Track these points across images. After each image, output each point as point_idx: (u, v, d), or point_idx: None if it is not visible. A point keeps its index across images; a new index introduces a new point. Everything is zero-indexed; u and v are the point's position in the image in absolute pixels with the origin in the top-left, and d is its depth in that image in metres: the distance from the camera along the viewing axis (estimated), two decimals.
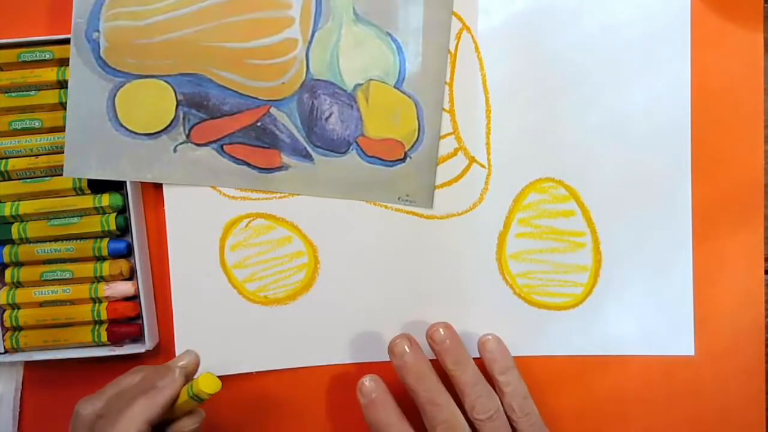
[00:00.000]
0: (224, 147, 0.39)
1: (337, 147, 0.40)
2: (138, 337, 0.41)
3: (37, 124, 0.40)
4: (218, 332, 0.41)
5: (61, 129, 0.39)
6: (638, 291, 0.41)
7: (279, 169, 0.40)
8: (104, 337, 0.40)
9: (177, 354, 0.40)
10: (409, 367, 0.38)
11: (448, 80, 0.40)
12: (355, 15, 0.39)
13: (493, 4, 0.40)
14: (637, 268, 0.41)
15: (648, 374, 0.41)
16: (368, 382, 0.38)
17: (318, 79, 0.39)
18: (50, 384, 0.42)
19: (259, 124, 0.39)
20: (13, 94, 0.40)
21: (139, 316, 0.40)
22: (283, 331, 0.41)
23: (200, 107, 0.39)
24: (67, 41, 0.39)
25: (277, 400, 0.42)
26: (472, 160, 0.41)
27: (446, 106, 0.40)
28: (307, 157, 0.40)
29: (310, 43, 0.39)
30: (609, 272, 0.41)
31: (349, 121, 0.40)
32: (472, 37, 0.40)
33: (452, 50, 0.40)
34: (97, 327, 0.40)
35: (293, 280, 0.41)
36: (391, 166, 0.40)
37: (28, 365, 0.42)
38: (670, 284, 0.41)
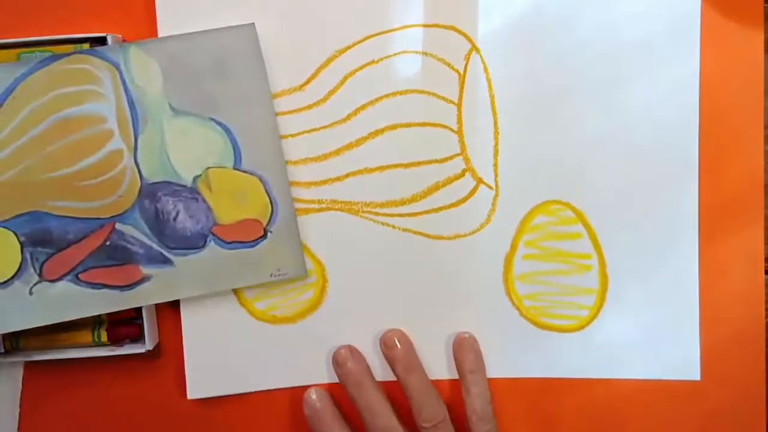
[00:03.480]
0: (79, 276, 0.38)
1: (193, 243, 0.39)
2: (138, 338, 0.41)
3: None
4: (228, 351, 0.41)
5: None
6: (645, 314, 0.41)
7: (141, 281, 0.39)
8: (104, 338, 0.40)
9: (186, 366, 0.41)
10: (350, 375, 0.40)
11: (456, 101, 0.40)
12: (172, 110, 0.38)
13: (502, 25, 0.40)
14: (643, 291, 0.41)
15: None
16: (313, 395, 0.40)
17: (154, 182, 0.38)
18: (50, 384, 0.42)
19: (108, 243, 0.38)
20: None
21: (139, 317, 0.40)
22: (292, 350, 0.41)
23: (45, 243, 0.38)
24: (67, 41, 0.39)
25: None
26: (480, 181, 0.41)
27: (454, 127, 0.40)
28: (166, 261, 0.39)
29: (135, 149, 0.38)
30: (615, 295, 0.41)
31: (198, 214, 0.39)
32: (481, 58, 0.40)
33: (461, 71, 0.40)
34: (97, 327, 0.40)
35: (302, 298, 0.41)
36: (254, 245, 0.39)
37: (28, 365, 0.42)
38: (676, 308, 0.41)
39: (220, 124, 0.38)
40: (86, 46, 0.39)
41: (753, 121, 0.41)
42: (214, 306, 0.41)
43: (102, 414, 0.42)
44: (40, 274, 0.38)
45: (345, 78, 0.40)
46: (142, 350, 0.40)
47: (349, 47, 0.40)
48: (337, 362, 0.40)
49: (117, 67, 0.38)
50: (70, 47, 0.39)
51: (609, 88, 0.40)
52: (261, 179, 0.39)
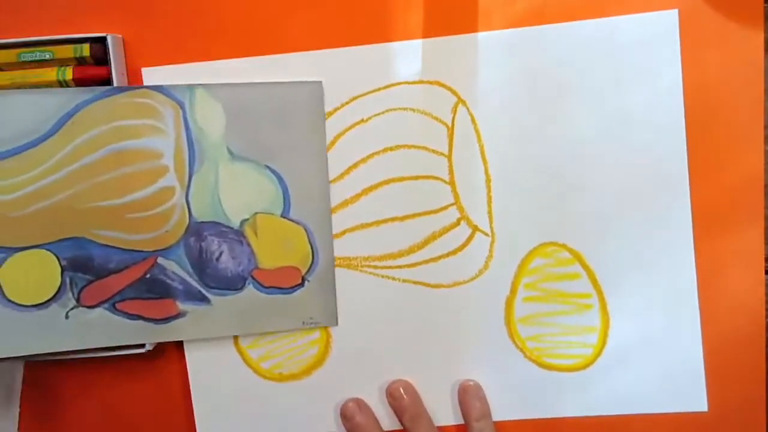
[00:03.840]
0: (116, 305, 0.39)
1: (232, 284, 0.40)
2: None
3: None
4: (238, 411, 0.42)
5: None
6: (648, 349, 0.41)
7: (176, 317, 0.39)
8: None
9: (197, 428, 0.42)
10: (359, 428, 0.41)
11: (446, 153, 0.41)
12: (230, 153, 0.39)
13: (486, 76, 0.40)
14: (645, 325, 0.41)
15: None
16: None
17: (202, 221, 0.39)
18: (50, 384, 0.42)
19: (148, 276, 0.39)
20: None
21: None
22: (301, 406, 0.42)
23: (86, 269, 0.38)
24: (67, 41, 0.38)
25: None
26: (475, 228, 0.41)
27: (446, 178, 0.41)
28: (204, 299, 0.39)
29: (188, 187, 0.38)
30: (617, 332, 0.42)
31: (240, 256, 0.39)
32: (468, 109, 0.41)
33: (449, 124, 0.41)
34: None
35: (307, 355, 0.42)
36: (291, 292, 0.40)
37: (28, 365, 0.42)
38: (679, 340, 0.41)
39: (274, 172, 0.39)
40: (86, 46, 0.39)
41: (753, 121, 0.41)
42: (221, 367, 0.42)
43: (102, 414, 0.42)
44: (77, 300, 0.38)
45: (336, 138, 0.41)
46: (142, 350, 0.40)
47: (337, 109, 0.40)
48: (345, 416, 0.41)
49: (181, 105, 0.38)
50: (70, 47, 0.38)
51: (597, 127, 0.40)
52: (306, 229, 0.40)
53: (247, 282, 0.40)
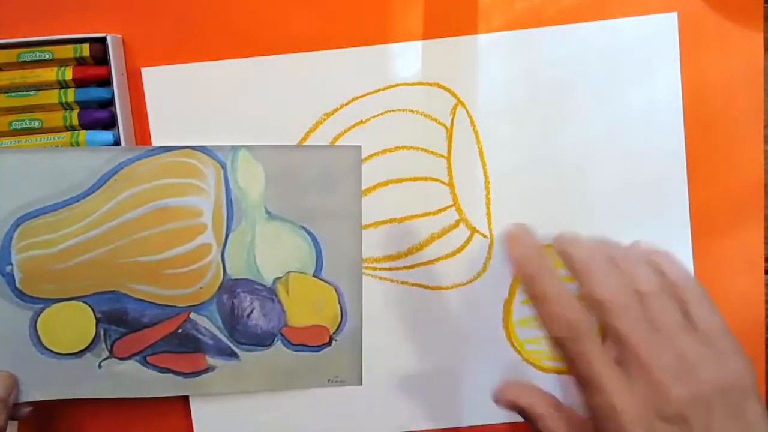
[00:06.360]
0: (147, 358, 0.39)
1: (261, 340, 0.40)
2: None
3: (36, 124, 0.40)
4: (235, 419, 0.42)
5: (61, 129, 0.40)
6: None
7: (205, 371, 0.40)
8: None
9: None
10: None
11: (445, 154, 0.41)
12: (267, 213, 0.39)
13: (486, 79, 0.41)
14: None
15: None
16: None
17: (236, 279, 0.40)
18: None
19: (180, 330, 0.39)
20: (13, 94, 0.40)
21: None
22: (297, 414, 0.42)
23: (120, 323, 0.39)
24: (67, 41, 0.39)
25: None
26: (474, 230, 0.42)
27: (445, 179, 0.41)
28: (233, 355, 0.40)
29: (224, 245, 0.39)
30: None
31: (271, 314, 0.40)
32: (467, 111, 0.41)
33: (448, 125, 0.41)
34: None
35: None
36: (318, 350, 0.41)
37: None
38: None
39: (309, 232, 0.40)
40: (86, 46, 0.39)
41: (753, 122, 0.41)
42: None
43: (101, 415, 0.42)
44: (110, 351, 0.39)
45: (335, 139, 0.41)
46: None
47: (336, 110, 0.41)
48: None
49: (223, 166, 0.39)
50: (69, 47, 0.39)
51: (596, 129, 0.41)
52: (336, 290, 0.40)
53: (276, 339, 0.40)
